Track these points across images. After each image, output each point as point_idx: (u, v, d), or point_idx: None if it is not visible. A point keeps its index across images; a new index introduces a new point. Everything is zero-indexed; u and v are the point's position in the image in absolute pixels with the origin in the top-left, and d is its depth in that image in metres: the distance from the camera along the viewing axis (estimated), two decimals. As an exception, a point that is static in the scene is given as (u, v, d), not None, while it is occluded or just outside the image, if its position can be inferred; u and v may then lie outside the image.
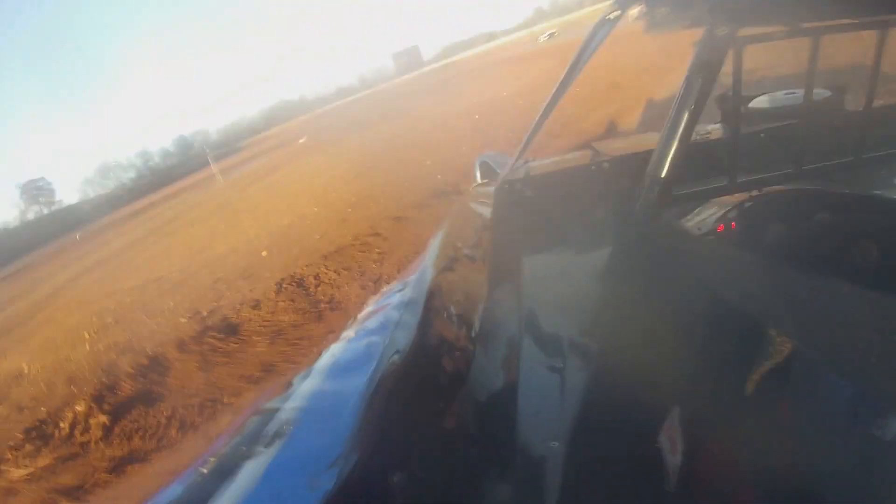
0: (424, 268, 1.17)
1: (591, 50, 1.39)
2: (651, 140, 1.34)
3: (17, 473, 3.89)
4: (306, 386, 0.77)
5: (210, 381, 4.12)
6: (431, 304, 0.98)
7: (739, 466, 0.88)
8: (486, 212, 1.58)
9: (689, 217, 1.36)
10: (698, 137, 1.62)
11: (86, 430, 4.17)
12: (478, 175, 2.35)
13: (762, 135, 1.52)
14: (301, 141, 27.61)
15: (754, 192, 1.27)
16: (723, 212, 1.29)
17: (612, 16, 1.34)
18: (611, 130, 6.99)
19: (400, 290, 1.09)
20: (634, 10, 1.30)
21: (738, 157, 1.22)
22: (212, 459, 0.62)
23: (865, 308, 0.84)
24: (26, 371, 6.25)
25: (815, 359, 0.89)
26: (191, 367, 4.48)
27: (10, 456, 4.17)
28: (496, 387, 0.94)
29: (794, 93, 1.78)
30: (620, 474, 0.94)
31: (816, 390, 0.90)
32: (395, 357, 0.80)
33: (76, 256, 17.66)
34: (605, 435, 0.95)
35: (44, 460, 3.96)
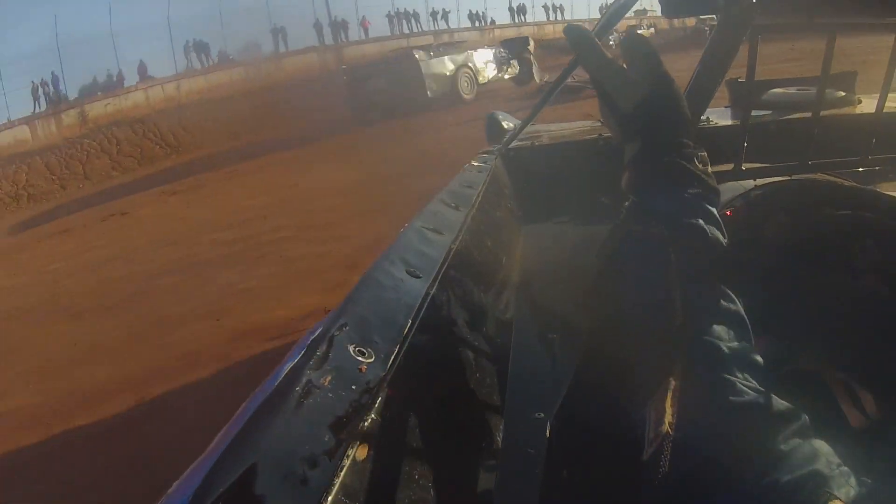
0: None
1: (611, 23, 1.37)
2: None
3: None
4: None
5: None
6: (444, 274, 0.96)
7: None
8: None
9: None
10: (707, 123, 1.63)
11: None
12: (487, 132, 2.32)
13: (771, 125, 1.52)
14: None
15: (758, 181, 1.27)
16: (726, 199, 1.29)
17: None
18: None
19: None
20: None
21: (746, 145, 1.22)
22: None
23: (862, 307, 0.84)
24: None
25: (809, 353, 0.89)
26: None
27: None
28: (488, 354, 0.94)
29: (806, 89, 1.79)
30: (606, 450, 0.93)
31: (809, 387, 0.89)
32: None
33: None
34: (593, 409, 0.92)
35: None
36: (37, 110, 17.72)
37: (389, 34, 23.37)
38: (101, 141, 15.57)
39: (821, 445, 0.55)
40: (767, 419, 0.57)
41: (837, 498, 0.47)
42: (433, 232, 1.08)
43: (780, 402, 0.58)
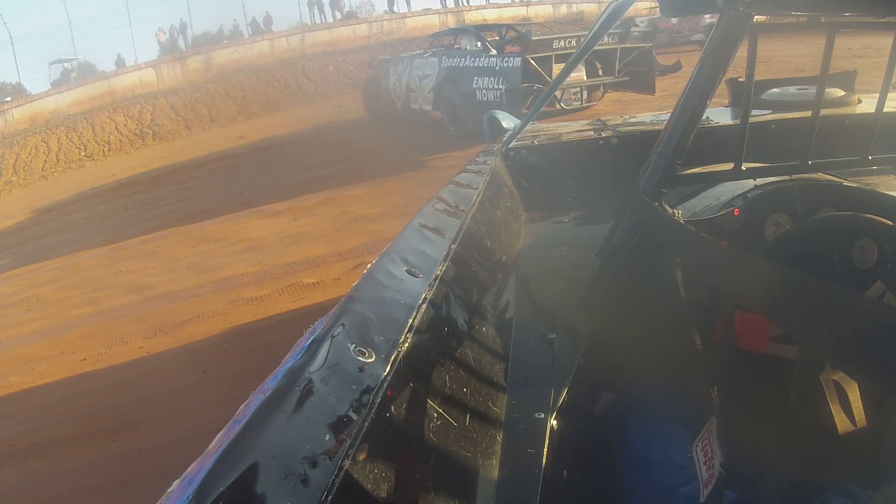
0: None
1: (607, 26, 1.36)
2: (660, 120, 1.31)
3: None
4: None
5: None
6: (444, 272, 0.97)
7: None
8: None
9: (688, 202, 1.35)
10: (707, 122, 1.56)
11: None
12: (487, 132, 2.33)
13: (772, 125, 1.44)
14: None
15: (759, 181, 1.24)
16: (726, 200, 1.26)
17: None
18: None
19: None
20: None
21: (746, 145, 1.20)
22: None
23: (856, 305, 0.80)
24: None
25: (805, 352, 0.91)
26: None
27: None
28: (488, 354, 0.96)
29: (806, 88, 1.63)
30: (605, 450, 0.98)
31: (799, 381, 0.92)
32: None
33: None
34: (593, 409, 0.98)
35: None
36: (161, 55, 18.76)
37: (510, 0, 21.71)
38: (225, 86, 16.27)
39: None
40: None
41: None
42: (433, 232, 1.11)
43: None
